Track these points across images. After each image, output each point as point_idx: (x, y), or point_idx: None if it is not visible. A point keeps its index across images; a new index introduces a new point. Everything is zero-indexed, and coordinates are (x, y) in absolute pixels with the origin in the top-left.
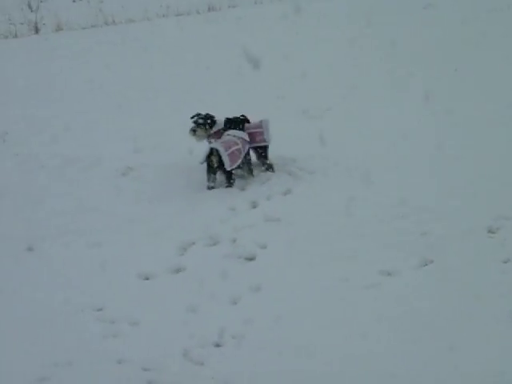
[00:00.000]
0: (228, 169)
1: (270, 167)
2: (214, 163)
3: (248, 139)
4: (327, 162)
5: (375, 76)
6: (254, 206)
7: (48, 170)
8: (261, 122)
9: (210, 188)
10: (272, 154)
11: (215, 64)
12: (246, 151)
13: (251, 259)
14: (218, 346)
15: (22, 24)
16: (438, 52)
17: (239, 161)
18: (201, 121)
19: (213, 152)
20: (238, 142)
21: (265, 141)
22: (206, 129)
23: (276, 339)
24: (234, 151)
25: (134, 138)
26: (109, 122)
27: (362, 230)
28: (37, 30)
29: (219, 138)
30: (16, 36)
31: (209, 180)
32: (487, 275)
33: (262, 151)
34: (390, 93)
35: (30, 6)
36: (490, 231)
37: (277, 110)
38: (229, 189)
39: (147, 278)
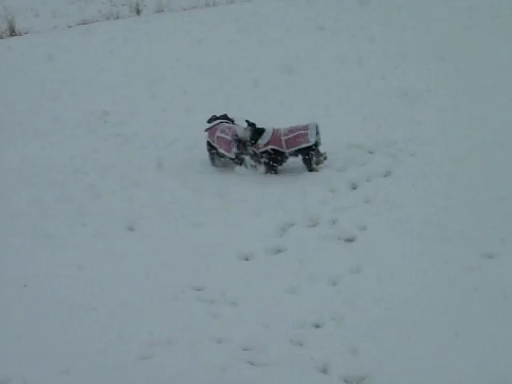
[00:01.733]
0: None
1: (313, 170)
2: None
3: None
4: (428, 144)
5: (478, 59)
6: (354, 187)
7: (148, 151)
8: (307, 125)
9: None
10: (372, 136)
11: (313, 46)
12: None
13: (351, 240)
14: (317, 326)
15: (123, 5)
16: None
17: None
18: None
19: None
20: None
21: (307, 141)
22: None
23: (375, 320)
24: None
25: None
26: (208, 104)
27: (463, 213)
28: (138, 12)
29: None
30: (118, 17)
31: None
32: None
33: (306, 154)
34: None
35: None
36: None
37: (378, 92)
38: (328, 171)
39: (247, 259)
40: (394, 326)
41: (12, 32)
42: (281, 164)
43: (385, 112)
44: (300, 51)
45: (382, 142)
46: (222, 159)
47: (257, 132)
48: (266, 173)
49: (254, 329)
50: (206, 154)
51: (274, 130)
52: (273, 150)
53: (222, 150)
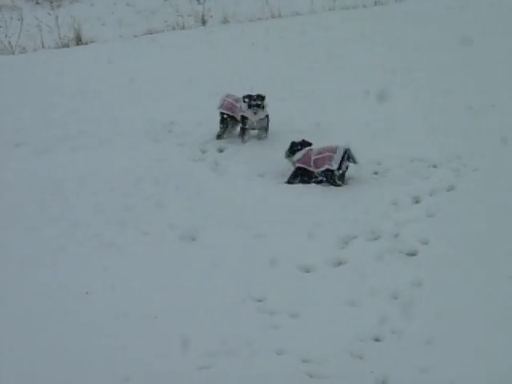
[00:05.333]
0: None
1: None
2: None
3: None
4: (491, 159)
5: None
6: (417, 201)
7: (210, 161)
8: (336, 147)
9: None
10: (435, 150)
11: (379, 58)
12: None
13: (413, 254)
14: (377, 340)
15: (189, 16)
16: None
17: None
18: None
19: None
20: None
21: (330, 165)
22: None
23: (437, 335)
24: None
25: (301, 131)
26: (273, 114)
27: None
28: (203, 22)
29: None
30: (183, 27)
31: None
32: None
33: (329, 176)
34: None
35: None
36: None
37: (441, 106)
38: (391, 184)
39: (308, 271)
40: (455, 340)
41: (79, 41)
42: (309, 181)
43: (449, 126)
44: (358, 62)
45: (446, 157)
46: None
47: (294, 146)
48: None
49: (313, 341)
50: (266, 166)
51: (309, 149)
52: (300, 168)
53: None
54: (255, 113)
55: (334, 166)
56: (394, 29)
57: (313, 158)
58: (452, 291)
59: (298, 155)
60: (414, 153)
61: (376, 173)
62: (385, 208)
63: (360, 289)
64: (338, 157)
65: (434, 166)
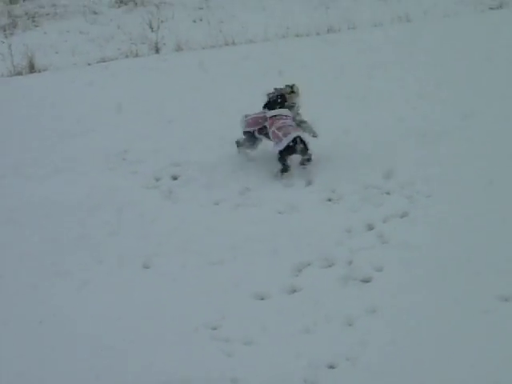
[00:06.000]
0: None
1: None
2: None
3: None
4: (444, 186)
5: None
6: (371, 228)
7: (164, 189)
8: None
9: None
10: (389, 176)
11: (335, 86)
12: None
13: (367, 281)
14: (331, 367)
15: (142, 43)
16: None
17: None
18: None
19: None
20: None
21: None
22: None
23: (391, 363)
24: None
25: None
26: (226, 144)
27: (479, 255)
28: (157, 50)
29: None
30: (137, 55)
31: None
32: None
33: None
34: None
35: (150, 26)
36: None
37: (396, 132)
38: (344, 211)
39: (262, 298)
40: (409, 367)
41: (32, 69)
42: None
43: (402, 153)
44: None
45: (399, 183)
46: None
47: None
48: None
49: (268, 369)
50: (221, 194)
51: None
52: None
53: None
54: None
55: (276, 149)
56: (343, 55)
57: (272, 129)
58: (407, 318)
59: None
60: (368, 180)
61: (330, 200)
62: (339, 235)
63: (314, 316)
64: (284, 143)
65: (388, 193)
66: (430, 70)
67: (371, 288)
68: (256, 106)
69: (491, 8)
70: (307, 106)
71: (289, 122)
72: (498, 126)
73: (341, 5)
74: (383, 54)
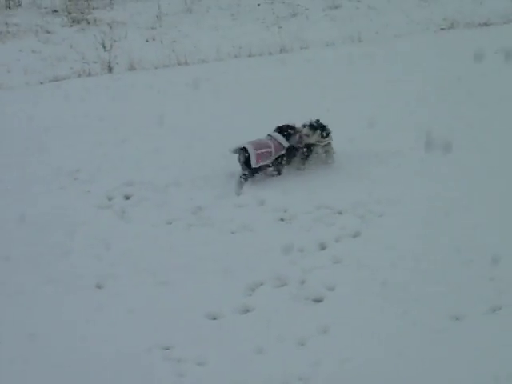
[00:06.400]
0: (253, 166)
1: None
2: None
3: (285, 145)
4: (396, 205)
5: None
6: (323, 247)
7: (116, 209)
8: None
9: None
10: (341, 196)
11: (288, 104)
12: (278, 154)
13: (319, 301)
14: None
15: (95, 63)
16: None
17: (267, 161)
18: None
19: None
20: (271, 144)
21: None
22: None
23: (342, 381)
24: (264, 153)
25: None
26: (179, 163)
27: (430, 274)
28: (110, 69)
29: None
30: (89, 74)
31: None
32: None
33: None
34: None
35: (103, 46)
36: None
37: (346, 153)
38: (297, 230)
39: (215, 318)
40: None
41: None
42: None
43: (353, 173)
44: (269, 107)
45: (351, 203)
46: None
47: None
48: None
49: None
50: (174, 213)
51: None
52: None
53: None
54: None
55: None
56: (295, 74)
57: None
58: (358, 337)
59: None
60: (320, 200)
61: (282, 219)
62: (291, 254)
63: (267, 336)
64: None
65: (340, 213)
66: (382, 89)
67: (323, 307)
68: (208, 125)
69: (442, 28)
70: (258, 126)
71: (264, 140)
72: (451, 145)
73: (293, 25)
74: (335, 74)
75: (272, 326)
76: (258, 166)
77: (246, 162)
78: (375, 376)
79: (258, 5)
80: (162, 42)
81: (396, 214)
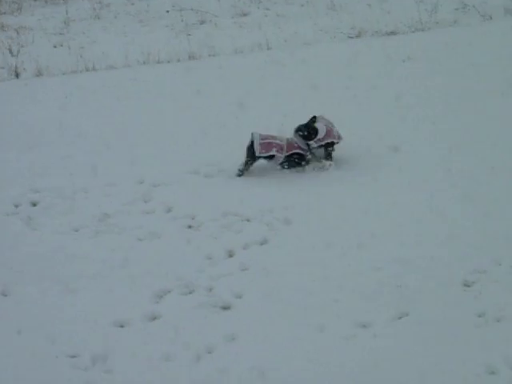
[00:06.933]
0: (256, 154)
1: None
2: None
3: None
4: (303, 212)
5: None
6: (231, 255)
7: (24, 216)
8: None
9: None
10: (248, 204)
11: (197, 111)
12: (289, 153)
13: (227, 308)
14: None
15: (2, 68)
16: None
17: (270, 153)
18: None
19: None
20: (283, 141)
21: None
22: None
23: None
24: (272, 143)
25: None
26: (87, 168)
27: (337, 281)
28: (17, 75)
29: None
30: None
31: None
32: (462, 329)
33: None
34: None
35: (10, 51)
36: (466, 284)
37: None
38: (204, 238)
39: (122, 325)
40: None
41: None
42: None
43: (260, 180)
44: (178, 117)
45: (259, 210)
46: None
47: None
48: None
49: None
50: (80, 220)
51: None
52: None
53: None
54: None
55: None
56: (203, 82)
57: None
58: (265, 344)
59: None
60: (227, 207)
61: (190, 226)
62: (199, 262)
63: (174, 343)
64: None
65: (248, 220)
66: (289, 97)
67: (231, 315)
68: (115, 131)
69: (350, 37)
70: (166, 134)
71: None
72: (357, 152)
73: (202, 32)
74: (244, 81)
75: (179, 334)
76: (260, 155)
77: (250, 149)
78: (286, 380)
79: (167, 11)
80: (69, 48)
81: (303, 222)
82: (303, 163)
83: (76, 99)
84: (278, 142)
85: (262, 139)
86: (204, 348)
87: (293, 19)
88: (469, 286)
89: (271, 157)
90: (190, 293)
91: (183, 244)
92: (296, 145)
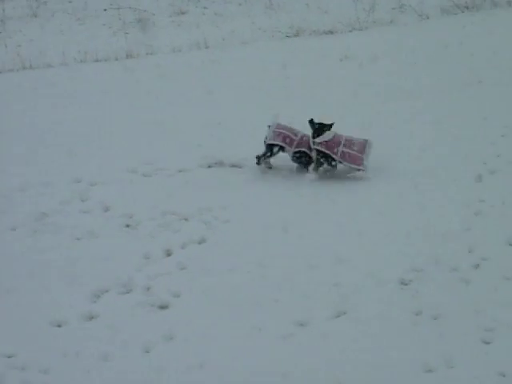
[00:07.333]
0: (268, 142)
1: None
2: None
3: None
4: (241, 211)
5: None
6: (169, 254)
7: None
8: (365, 146)
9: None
10: (187, 203)
11: (135, 110)
12: (296, 150)
13: (165, 307)
14: None
15: None
16: None
17: (281, 142)
18: None
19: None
20: (296, 136)
21: (359, 165)
22: None
23: None
24: (284, 134)
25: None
26: (22, 168)
27: (276, 280)
28: None
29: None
30: None
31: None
32: (399, 327)
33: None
34: None
35: None
36: (403, 283)
37: (193, 158)
38: (142, 237)
39: (59, 325)
40: None
41: None
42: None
43: (199, 179)
44: (115, 115)
45: (197, 209)
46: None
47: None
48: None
49: None
50: (16, 216)
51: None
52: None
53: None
54: None
55: (363, 168)
56: (141, 81)
57: (341, 148)
58: (202, 343)
59: (327, 136)
60: (166, 205)
61: (128, 225)
62: (137, 261)
63: (112, 343)
64: (367, 158)
65: (186, 219)
66: (229, 95)
67: (169, 314)
68: (51, 130)
69: (288, 36)
70: (107, 133)
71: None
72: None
73: (140, 30)
74: (182, 80)
75: (117, 333)
76: (271, 142)
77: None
78: (220, 382)
79: (105, 10)
80: (6, 46)
81: (242, 220)
82: (305, 163)
83: (13, 97)
84: (290, 135)
85: (277, 128)
86: (142, 347)
87: (231, 18)
88: (406, 285)
89: (282, 148)
90: (128, 292)
91: (121, 243)
92: (306, 143)
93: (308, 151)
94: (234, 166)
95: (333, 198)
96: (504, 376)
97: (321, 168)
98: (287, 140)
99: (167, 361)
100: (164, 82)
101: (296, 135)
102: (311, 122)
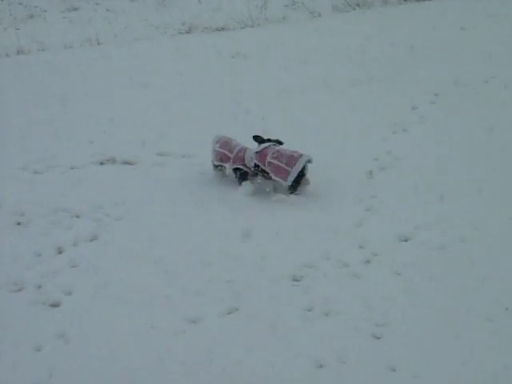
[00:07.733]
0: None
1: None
2: None
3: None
4: (134, 208)
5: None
6: (60, 252)
7: None
8: (296, 160)
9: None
10: (78, 200)
11: (23, 107)
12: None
13: (56, 305)
14: None
15: None
16: None
17: (219, 162)
18: None
19: None
20: (232, 153)
21: (284, 179)
22: None
23: None
24: (221, 154)
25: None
26: None
27: (167, 277)
28: None
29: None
30: None
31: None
32: (291, 323)
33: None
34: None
35: None
36: (295, 279)
37: (87, 158)
38: (33, 234)
39: None
40: None
41: None
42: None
43: (90, 176)
44: (6, 111)
45: (89, 206)
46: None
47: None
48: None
49: None
50: None
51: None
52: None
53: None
54: None
55: (287, 183)
56: (34, 78)
57: (268, 159)
58: (94, 341)
59: (258, 148)
60: (57, 203)
61: (19, 223)
62: (28, 259)
63: (2, 342)
64: (294, 173)
65: (77, 216)
66: (122, 92)
67: (60, 312)
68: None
69: (181, 33)
70: None
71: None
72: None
73: (31, 26)
74: (74, 77)
75: (8, 332)
76: (214, 163)
77: None
78: (113, 380)
79: None
80: None
81: (133, 218)
82: (240, 178)
83: None
84: (226, 152)
85: (217, 143)
86: (32, 346)
87: (123, 14)
88: (298, 281)
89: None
90: (19, 290)
91: (12, 241)
92: (240, 159)
93: (242, 166)
94: (126, 163)
95: (221, 197)
96: (394, 370)
97: (259, 181)
98: (223, 158)
99: (58, 359)
100: (55, 79)
101: (231, 151)
102: (256, 137)
